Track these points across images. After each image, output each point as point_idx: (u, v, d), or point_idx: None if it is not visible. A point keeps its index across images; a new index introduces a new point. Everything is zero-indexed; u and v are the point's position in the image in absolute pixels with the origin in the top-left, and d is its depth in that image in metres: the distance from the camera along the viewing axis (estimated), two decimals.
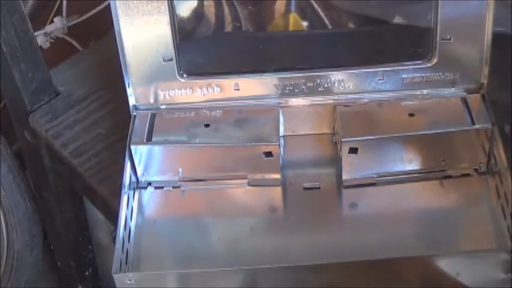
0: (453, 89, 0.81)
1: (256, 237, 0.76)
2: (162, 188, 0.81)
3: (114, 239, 1.06)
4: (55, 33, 1.24)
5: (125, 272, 0.71)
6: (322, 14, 0.87)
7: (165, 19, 0.78)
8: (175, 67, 0.81)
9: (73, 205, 1.10)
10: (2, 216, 1.10)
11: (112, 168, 0.87)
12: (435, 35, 0.78)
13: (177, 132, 0.81)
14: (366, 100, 0.82)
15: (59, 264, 1.20)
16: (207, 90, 0.82)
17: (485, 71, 0.79)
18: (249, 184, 0.80)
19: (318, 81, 0.81)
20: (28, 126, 0.97)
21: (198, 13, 0.86)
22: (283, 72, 0.82)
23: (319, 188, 0.80)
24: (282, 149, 0.81)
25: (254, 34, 0.89)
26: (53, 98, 0.97)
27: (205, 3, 0.86)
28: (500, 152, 0.75)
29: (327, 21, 0.87)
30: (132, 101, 0.82)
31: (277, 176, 0.80)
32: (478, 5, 0.76)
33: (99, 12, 1.18)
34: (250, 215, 0.78)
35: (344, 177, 0.79)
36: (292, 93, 0.82)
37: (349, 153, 0.78)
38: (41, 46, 1.18)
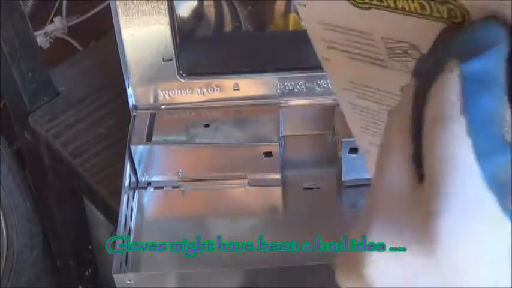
0: None
1: (256, 237, 0.76)
2: (162, 188, 0.81)
3: None
4: (55, 33, 1.24)
5: (124, 272, 0.71)
6: None
7: (165, 19, 0.78)
8: (175, 67, 0.81)
9: (73, 205, 1.10)
10: (2, 216, 1.10)
11: (112, 168, 0.87)
12: None
13: (177, 132, 0.81)
14: None
15: (58, 264, 1.20)
16: (207, 90, 0.82)
17: None
18: (249, 184, 0.80)
19: (318, 82, 0.81)
20: (28, 126, 0.97)
21: (198, 13, 0.86)
22: (283, 72, 0.82)
23: (319, 188, 0.80)
24: (282, 149, 0.81)
25: (254, 34, 0.89)
26: (53, 98, 0.97)
27: (205, 3, 0.86)
28: None
29: None
30: (132, 101, 0.82)
31: (277, 176, 0.80)
32: None
33: (99, 12, 1.18)
34: (250, 215, 0.78)
35: (344, 177, 0.79)
36: (292, 93, 0.82)
37: (349, 153, 0.78)
38: (41, 46, 1.18)
